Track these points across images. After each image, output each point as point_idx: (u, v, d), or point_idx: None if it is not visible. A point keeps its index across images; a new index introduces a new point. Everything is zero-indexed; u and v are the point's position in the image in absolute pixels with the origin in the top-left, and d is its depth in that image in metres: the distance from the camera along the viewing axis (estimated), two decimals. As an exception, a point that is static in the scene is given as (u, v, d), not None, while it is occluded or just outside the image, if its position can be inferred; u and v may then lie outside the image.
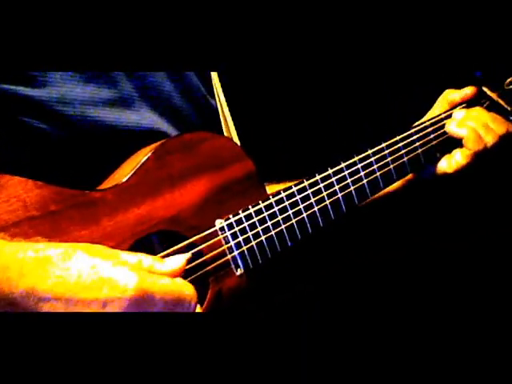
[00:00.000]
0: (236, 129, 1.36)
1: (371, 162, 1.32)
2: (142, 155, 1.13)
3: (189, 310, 0.96)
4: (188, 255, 1.02)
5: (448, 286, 2.03)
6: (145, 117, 1.20)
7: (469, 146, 1.39)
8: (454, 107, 1.46)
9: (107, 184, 1.12)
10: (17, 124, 1.08)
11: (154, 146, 1.14)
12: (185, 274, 1.05)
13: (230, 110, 1.36)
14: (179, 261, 0.98)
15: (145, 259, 0.96)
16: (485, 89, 1.49)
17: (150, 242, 1.12)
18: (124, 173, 1.11)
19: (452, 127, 1.41)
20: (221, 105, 1.36)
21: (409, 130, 1.39)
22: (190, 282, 1.06)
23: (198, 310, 1.03)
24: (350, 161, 1.30)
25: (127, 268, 0.91)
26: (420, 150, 1.39)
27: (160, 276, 0.95)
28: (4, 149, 1.08)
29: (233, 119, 1.36)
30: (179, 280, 0.97)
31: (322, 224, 1.26)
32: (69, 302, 0.87)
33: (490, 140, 1.39)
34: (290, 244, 1.23)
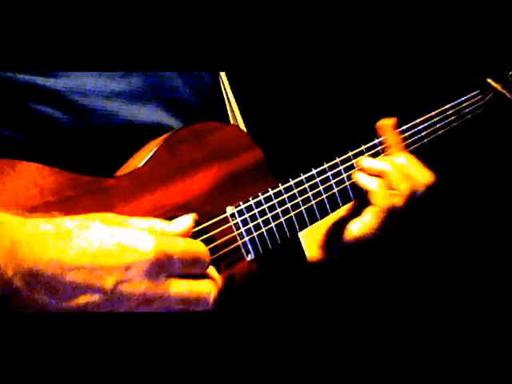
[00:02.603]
0: (244, 123, 1.39)
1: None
2: (154, 145, 1.16)
3: (203, 269, 0.99)
4: (193, 215, 1.03)
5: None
6: (156, 111, 1.23)
7: (376, 201, 1.27)
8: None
9: (121, 173, 1.15)
10: (32, 113, 1.12)
11: (165, 135, 1.18)
12: None
13: (239, 105, 1.39)
14: (187, 221, 1.02)
15: (156, 223, 0.99)
16: (489, 80, 1.52)
17: None
18: (136, 162, 1.15)
19: (360, 177, 1.30)
20: (229, 99, 1.40)
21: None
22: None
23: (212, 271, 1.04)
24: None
25: (144, 232, 0.94)
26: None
27: (175, 237, 0.98)
28: (19, 137, 1.11)
29: (241, 114, 1.39)
30: (192, 240, 1.00)
31: (330, 211, 1.28)
32: (92, 269, 0.90)
33: (404, 189, 1.26)
34: (299, 231, 1.26)
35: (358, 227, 1.30)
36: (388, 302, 1.96)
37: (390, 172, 1.28)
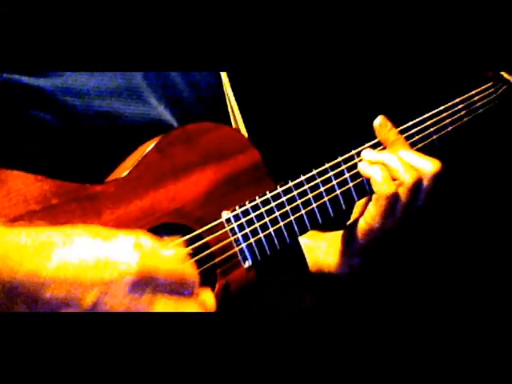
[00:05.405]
0: (244, 121, 1.34)
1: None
2: (145, 148, 1.11)
3: (192, 291, 0.94)
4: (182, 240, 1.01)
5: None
6: (151, 108, 1.18)
7: (376, 188, 1.20)
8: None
9: (111, 178, 1.10)
10: (21, 114, 1.07)
11: (156, 138, 1.13)
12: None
13: (238, 103, 1.34)
14: (179, 245, 1.00)
15: (145, 239, 0.92)
16: (502, 73, 1.45)
17: (157, 234, 1.10)
18: (127, 166, 1.10)
19: (361, 166, 1.24)
20: (228, 97, 1.34)
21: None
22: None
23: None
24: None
25: (130, 248, 0.90)
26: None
27: (162, 255, 0.93)
28: (8, 139, 1.07)
29: (240, 111, 1.34)
30: (181, 260, 0.95)
31: (332, 214, 1.22)
32: (72, 285, 0.86)
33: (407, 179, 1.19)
34: (299, 235, 1.20)
35: (364, 218, 1.24)
36: (391, 303, 1.91)
37: (392, 161, 1.22)
